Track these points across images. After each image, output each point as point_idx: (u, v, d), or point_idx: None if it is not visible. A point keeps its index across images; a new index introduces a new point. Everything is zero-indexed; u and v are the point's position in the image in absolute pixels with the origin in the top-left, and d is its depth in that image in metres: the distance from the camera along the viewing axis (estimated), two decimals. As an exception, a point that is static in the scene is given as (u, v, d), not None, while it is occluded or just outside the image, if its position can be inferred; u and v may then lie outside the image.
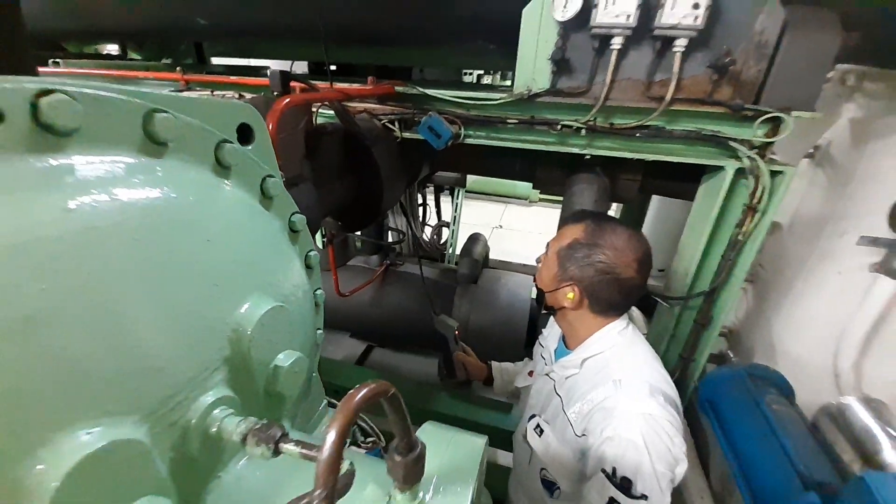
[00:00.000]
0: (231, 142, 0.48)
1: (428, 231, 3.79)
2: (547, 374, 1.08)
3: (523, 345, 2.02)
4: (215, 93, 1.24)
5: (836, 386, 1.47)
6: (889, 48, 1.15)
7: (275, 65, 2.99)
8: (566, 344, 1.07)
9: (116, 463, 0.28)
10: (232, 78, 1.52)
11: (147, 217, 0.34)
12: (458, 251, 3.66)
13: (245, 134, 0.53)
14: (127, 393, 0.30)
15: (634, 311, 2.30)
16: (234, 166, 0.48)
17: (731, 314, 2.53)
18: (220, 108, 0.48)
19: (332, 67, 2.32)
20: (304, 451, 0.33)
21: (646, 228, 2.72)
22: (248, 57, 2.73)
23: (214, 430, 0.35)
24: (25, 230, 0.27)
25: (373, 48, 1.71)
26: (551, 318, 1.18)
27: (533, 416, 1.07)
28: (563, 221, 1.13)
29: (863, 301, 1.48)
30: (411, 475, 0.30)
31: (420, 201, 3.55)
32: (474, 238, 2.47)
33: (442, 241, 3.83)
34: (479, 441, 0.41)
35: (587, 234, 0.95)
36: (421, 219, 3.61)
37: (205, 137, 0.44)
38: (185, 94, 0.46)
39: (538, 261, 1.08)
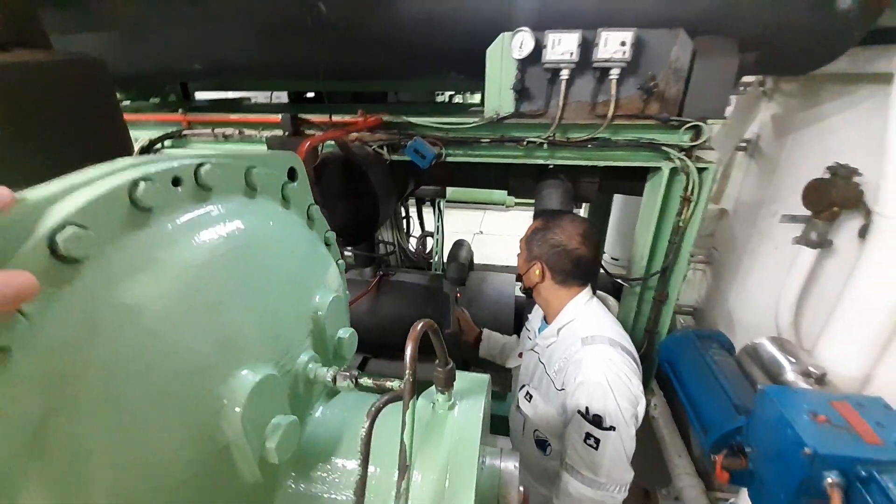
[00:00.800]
0: (289, 182, 0.66)
1: (413, 242, 3.97)
2: (532, 349, 1.29)
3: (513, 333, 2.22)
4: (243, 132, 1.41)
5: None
6: (783, 61, 1.43)
7: (255, 96, 3.13)
8: (546, 320, 1.28)
9: (267, 388, 0.45)
10: (232, 117, 1.68)
11: (263, 237, 0.52)
12: (443, 259, 3.86)
13: (292, 175, 0.71)
14: (266, 350, 0.48)
15: (609, 299, 2.54)
16: (291, 199, 0.66)
17: (693, 294, 2.82)
18: (279, 158, 0.66)
19: (310, 94, 2.50)
20: (375, 382, 0.52)
21: (611, 223, 2.99)
22: (231, 90, 2.85)
23: (312, 375, 0.53)
24: (205, 251, 0.44)
25: (354, 81, 1.91)
26: (536, 306, 1.39)
27: (523, 387, 1.27)
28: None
29: (791, 269, 1.73)
30: (449, 381, 0.49)
31: (403, 214, 3.74)
32: (459, 244, 2.67)
33: (427, 251, 4.02)
34: (484, 375, 0.60)
35: (543, 223, 1.21)
36: (406, 230, 3.80)
37: (276, 181, 0.62)
38: (256, 151, 0.63)
39: (519, 256, 1.31)
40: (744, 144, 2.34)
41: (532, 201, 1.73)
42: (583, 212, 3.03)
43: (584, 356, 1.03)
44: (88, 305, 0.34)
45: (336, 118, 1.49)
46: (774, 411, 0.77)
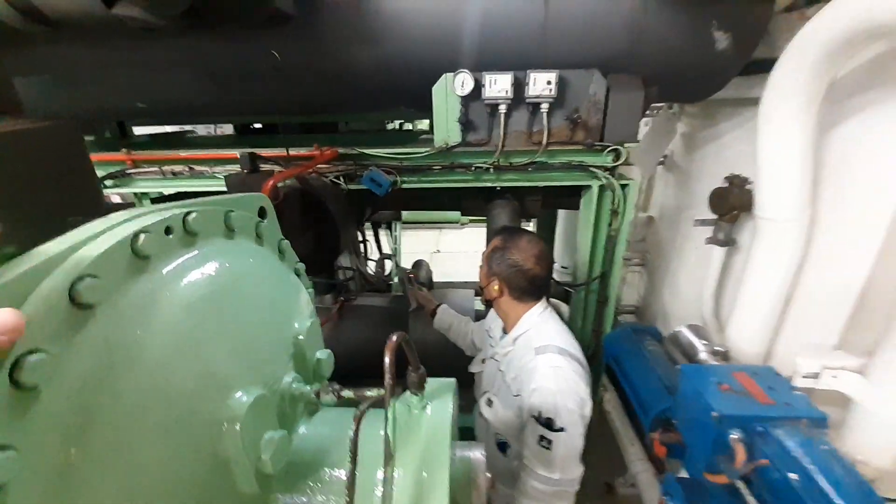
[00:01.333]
0: (260, 220, 0.72)
1: (372, 265, 4.00)
2: (492, 357, 1.39)
3: None
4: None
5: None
6: (678, 92, 1.71)
7: (197, 129, 3.05)
8: (505, 330, 1.39)
9: (260, 407, 0.51)
10: (181, 154, 1.68)
11: (244, 274, 0.58)
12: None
13: (262, 213, 0.77)
14: (255, 374, 0.54)
15: (562, 305, 2.73)
16: (264, 236, 0.72)
17: (634, 294, 3.09)
18: (250, 199, 0.72)
19: (257, 126, 2.51)
20: (356, 393, 0.59)
21: (558, 235, 3.22)
22: (170, 124, 2.76)
23: (296, 393, 0.59)
24: (197, 290, 0.50)
25: (305, 114, 1.98)
26: (492, 311, 1.50)
27: (485, 393, 1.37)
28: (490, 236, 1.48)
29: (708, 265, 1.98)
30: (421, 384, 0.57)
31: (360, 239, 3.77)
32: (417, 264, 2.76)
33: (386, 273, 4.06)
34: (451, 379, 0.69)
35: (502, 242, 1.32)
36: (364, 254, 3.82)
37: (249, 221, 0.68)
38: (230, 196, 0.69)
39: (480, 269, 1.42)
40: (663, 159, 2.66)
41: (485, 218, 1.87)
42: (532, 226, 3.26)
43: (537, 365, 1.14)
44: (103, 346, 0.40)
45: (292, 151, 1.55)
46: (690, 386, 0.92)
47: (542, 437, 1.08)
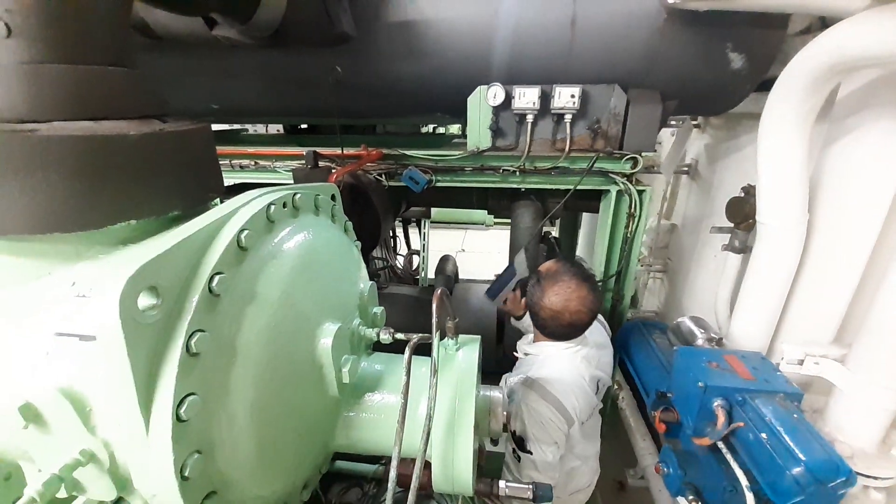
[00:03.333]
0: (334, 204, 0.93)
1: (401, 260, 4.23)
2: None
3: (495, 341, 2.47)
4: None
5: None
6: (696, 106, 1.81)
7: (250, 127, 3.35)
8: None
9: (342, 333, 0.70)
10: (249, 150, 1.94)
11: (330, 241, 0.78)
12: (429, 275, 4.11)
13: (333, 198, 0.98)
14: (338, 313, 0.74)
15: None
16: (335, 217, 0.93)
17: (655, 300, 3.16)
18: (325, 188, 0.93)
19: (303, 126, 2.77)
20: (406, 336, 0.77)
21: (581, 235, 3.34)
22: (232, 123, 3.06)
23: (362, 333, 0.79)
24: (304, 247, 0.71)
25: (355, 118, 2.21)
26: None
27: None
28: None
29: (723, 272, 2.05)
30: (456, 329, 0.76)
31: (391, 234, 4.00)
32: (445, 258, 2.94)
33: (414, 268, 4.28)
34: (477, 336, 0.87)
35: (545, 274, 1.30)
36: (394, 249, 4.06)
37: (329, 204, 0.89)
38: (312, 184, 0.89)
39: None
40: (686, 168, 2.74)
41: (507, 219, 2.04)
42: (556, 228, 3.39)
43: (522, 396, 1.21)
44: (253, 273, 0.60)
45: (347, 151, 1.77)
46: (683, 363, 1.05)
47: (514, 450, 1.22)
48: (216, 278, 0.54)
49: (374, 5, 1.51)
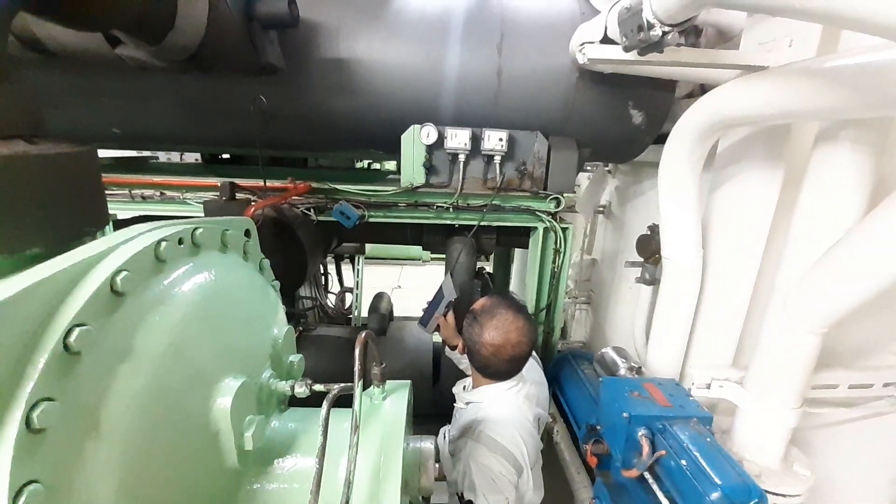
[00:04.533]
0: (248, 240, 0.84)
1: (332, 298, 4.01)
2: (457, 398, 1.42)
3: (431, 381, 2.39)
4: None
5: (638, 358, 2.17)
6: (606, 154, 2.04)
7: (160, 155, 3.06)
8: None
9: (245, 391, 0.60)
10: (155, 179, 1.74)
11: (237, 282, 0.69)
12: (363, 314, 3.93)
13: (248, 234, 0.89)
14: (242, 366, 0.63)
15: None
16: (249, 254, 0.84)
17: (582, 331, 3.33)
18: (239, 222, 0.84)
19: (226, 156, 2.60)
20: (326, 385, 0.69)
21: (514, 270, 3.46)
22: (137, 150, 2.75)
23: (273, 387, 0.69)
24: (201, 291, 0.61)
25: (281, 150, 2.11)
26: None
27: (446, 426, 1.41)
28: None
29: (637, 303, 2.22)
30: (383, 376, 0.69)
31: (322, 271, 3.80)
32: (379, 296, 2.85)
33: (347, 306, 4.07)
34: (406, 381, 0.81)
35: (479, 312, 1.26)
36: (325, 287, 3.84)
37: (240, 240, 0.80)
38: (223, 217, 0.80)
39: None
40: (601, 209, 3.02)
41: (442, 254, 2.04)
42: (490, 266, 3.48)
43: (470, 453, 1.14)
44: (130, 325, 0.50)
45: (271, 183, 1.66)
46: (608, 394, 1.09)
47: None
48: (75, 331, 0.44)
49: (306, 40, 1.50)
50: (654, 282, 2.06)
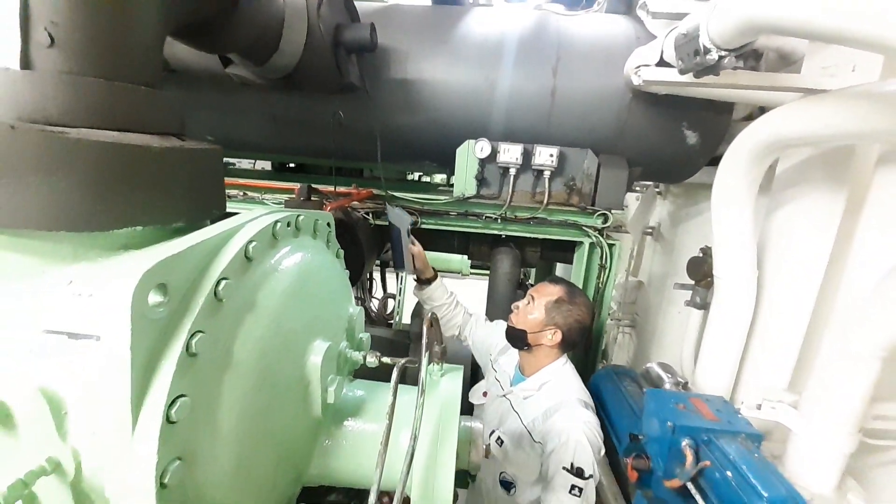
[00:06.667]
0: (330, 231, 0.97)
1: (375, 303, 4.18)
2: (504, 396, 1.47)
3: (469, 382, 2.43)
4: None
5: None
6: (658, 174, 2.04)
7: (238, 162, 3.40)
8: (522, 372, 1.47)
9: (330, 353, 0.71)
10: (239, 181, 1.98)
11: (326, 263, 0.81)
12: (404, 320, 4.06)
13: (329, 226, 1.02)
14: (328, 333, 0.75)
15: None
16: (330, 243, 0.96)
17: (624, 355, 3.24)
18: (322, 216, 0.98)
19: (291, 165, 2.85)
20: (392, 360, 0.79)
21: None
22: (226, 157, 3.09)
23: (348, 356, 0.79)
24: (303, 265, 0.73)
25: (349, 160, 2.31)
26: (506, 346, 1.57)
27: (493, 431, 1.43)
28: (542, 282, 1.56)
29: (686, 327, 2.15)
30: (443, 354, 0.78)
31: (367, 276, 3.99)
32: (420, 305, 2.95)
33: (389, 311, 4.22)
34: (460, 365, 0.89)
35: (567, 295, 1.42)
36: (370, 291, 4.02)
37: (325, 230, 0.93)
38: (312, 210, 0.94)
39: (516, 307, 1.50)
40: (650, 230, 2.97)
41: (485, 272, 2.11)
42: (532, 277, 3.50)
43: (566, 418, 1.22)
44: (254, 286, 0.62)
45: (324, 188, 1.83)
46: (652, 405, 1.10)
47: (573, 486, 1.14)
48: (222, 283, 0.56)
49: (380, 62, 1.67)
50: (704, 306, 2.01)
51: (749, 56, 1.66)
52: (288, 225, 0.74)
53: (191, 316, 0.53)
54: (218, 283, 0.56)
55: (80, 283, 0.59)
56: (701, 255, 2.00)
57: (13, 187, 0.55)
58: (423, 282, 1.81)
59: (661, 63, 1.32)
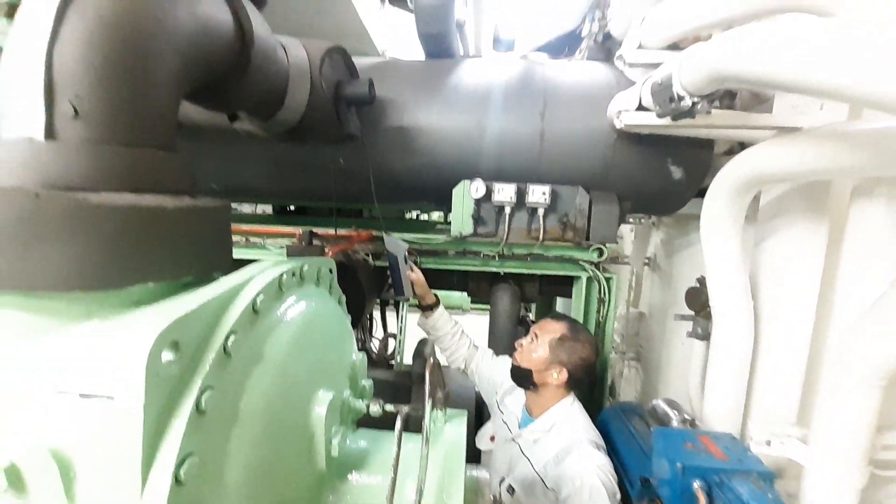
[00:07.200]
0: (332, 277, 1.00)
1: (376, 343, 4.12)
2: (513, 440, 1.43)
3: (474, 429, 2.36)
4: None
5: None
6: (647, 208, 2.11)
7: (243, 207, 3.47)
8: (530, 413, 1.43)
9: (335, 404, 0.72)
10: (242, 227, 2.03)
11: (329, 312, 0.83)
12: (405, 360, 3.99)
13: (331, 271, 1.05)
14: (331, 383, 0.76)
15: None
16: (332, 290, 0.99)
17: (631, 390, 3.17)
18: (325, 262, 1.01)
19: (291, 208, 2.93)
20: (396, 407, 0.79)
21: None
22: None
23: (351, 405, 0.79)
24: (307, 315, 0.76)
25: (349, 203, 2.38)
26: (512, 394, 1.55)
27: (503, 479, 1.38)
28: (545, 319, 1.57)
29: (690, 358, 2.13)
30: (446, 400, 0.78)
31: (367, 315, 3.96)
32: (424, 341, 2.92)
33: (389, 352, 4.16)
34: (464, 410, 0.88)
35: (570, 332, 1.41)
36: (370, 331, 3.98)
37: (327, 277, 0.96)
38: (313, 258, 0.97)
39: (519, 344, 1.49)
40: (647, 261, 3.01)
41: (486, 306, 2.13)
42: (532, 313, 3.49)
43: (579, 461, 1.19)
44: (261, 338, 0.64)
45: (325, 230, 1.88)
46: (661, 444, 1.08)
47: None
48: (231, 338, 0.58)
49: (378, 111, 1.77)
50: (706, 336, 2.00)
51: (725, 96, 1.77)
52: (293, 275, 0.77)
53: (201, 372, 0.54)
54: (227, 337, 0.58)
55: (93, 341, 0.60)
56: (698, 285, 2.02)
57: (36, 252, 0.58)
58: (425, 308, 1.81)
59: (641, 108, 1.41)
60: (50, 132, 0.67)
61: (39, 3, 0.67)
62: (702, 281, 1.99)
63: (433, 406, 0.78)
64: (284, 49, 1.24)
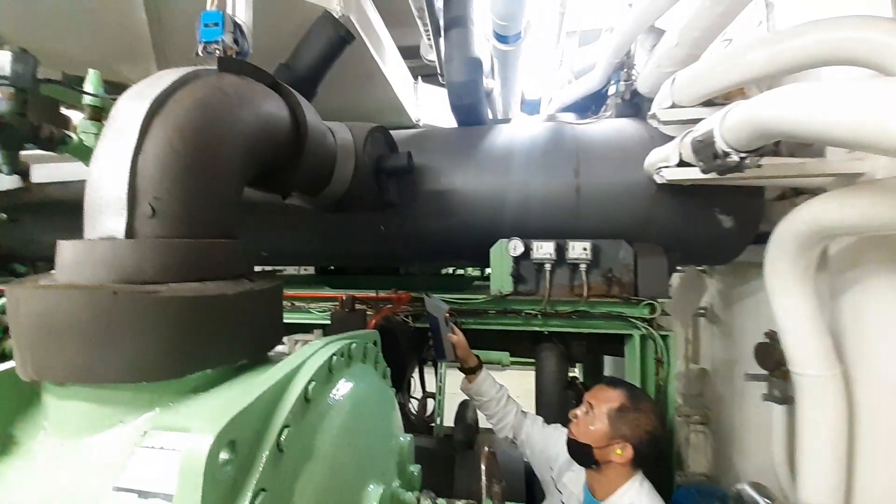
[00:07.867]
0: (377, 350, 0.98)
1: (414, 403, 3.97)
2: None
3: (524, 498, 2.14)
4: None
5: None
6: (696, 259, 1.99)
7: (287, 269, 3.62)
8: (594, 494, 1.28)
9: (385, 499, 0.67)
10: (290, 292, 2.11)
11: (376, 391, 0.81)
12: (445, 422, 3.79)
13: (375, 344, 1.04)
14: (380, 472, 0.72)
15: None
16: (377, 364, 0.97)
17: (702, 459, 2.80)
18: (370, 335, 1.00)
19: (331, 267, 3.02)
20: (448, 501, 0.73)
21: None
22: (265, 265, 3.33)
23: (401, 498, 0.74)
24: (357, 397, 0.74)
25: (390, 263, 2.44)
26: (572, 470, 1.40)
27: None
28: (598, 386, 1.41)
29: (771, 426, 1.85)
30: (502, 495, 0.71)
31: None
32: (465, 403, 2.78)
33: (428, 413, 3.97)
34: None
35: (631, 402, 1.25)
36: (408, 391, 3.86)
37: (373, 351, 0.95)
38: (359, 332, 0.97)
39: (574, 415, 1.34)
40: (702, 311, 2.79)
41: (528, 360, 2.02)
42: (578, 371, 3.27)
43: None
44: (311, 430, 0.63)
45: (364, 293, 1.90)
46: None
47: None
48: (284, 432, 0.57)
49: (417, 178, 1.86)
50: (786, 400, 1.76)
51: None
52: (342, 356, 0.76)
53: (255, 473, 0.53)
54: (280, 432, 0.57)
55: (153, 435, 0.61)
56: (767, 340, 1.83)
57: (109, 346, 0.62)
58: (467, 371, 1.73)
59: (682, 163, 1.39)
60: (130, 232, 0.74)
61: (127, 118, 0.76)
62: (771, 336, 1.80)
63: (491, 500, 0.71)
64: (332, 133, 1.36)
